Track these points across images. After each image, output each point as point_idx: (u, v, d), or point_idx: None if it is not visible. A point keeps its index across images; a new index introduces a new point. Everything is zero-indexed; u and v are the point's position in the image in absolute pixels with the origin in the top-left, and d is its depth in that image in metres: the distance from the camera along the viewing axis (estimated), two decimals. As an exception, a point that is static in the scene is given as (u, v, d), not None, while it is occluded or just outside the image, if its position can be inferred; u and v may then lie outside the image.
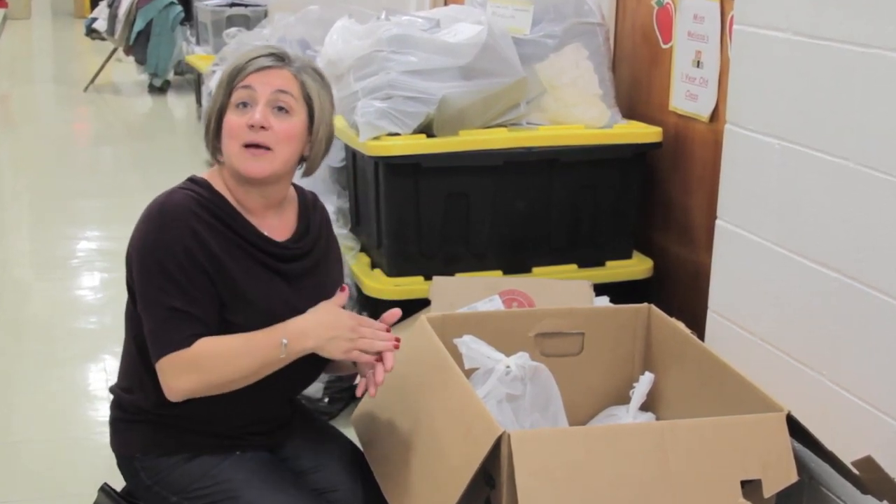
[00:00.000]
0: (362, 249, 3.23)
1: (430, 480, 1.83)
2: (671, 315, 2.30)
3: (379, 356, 1.84)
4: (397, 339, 1.85)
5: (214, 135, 1.89)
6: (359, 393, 1.85)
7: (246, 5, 7.52)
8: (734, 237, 2.23)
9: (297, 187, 2.04)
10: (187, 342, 1.75)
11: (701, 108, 2.86)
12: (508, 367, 2.03)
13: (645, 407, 2.19)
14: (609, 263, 3.03)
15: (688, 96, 2.91)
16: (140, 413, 1.91)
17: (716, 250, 2.31)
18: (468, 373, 2.05)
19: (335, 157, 3.53)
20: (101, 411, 2.49)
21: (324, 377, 2.93)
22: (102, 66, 9.03)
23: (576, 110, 2.97)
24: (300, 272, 1.93)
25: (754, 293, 2.18)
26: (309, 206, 2.04)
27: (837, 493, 1.99)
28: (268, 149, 1.83)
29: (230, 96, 1.85)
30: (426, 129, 2.82)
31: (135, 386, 1.92)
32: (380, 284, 2.91)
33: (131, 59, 9.06)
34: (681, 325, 2.26)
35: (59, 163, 6.59)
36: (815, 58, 1.95)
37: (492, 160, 2.84)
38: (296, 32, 4.73)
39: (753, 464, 1.77)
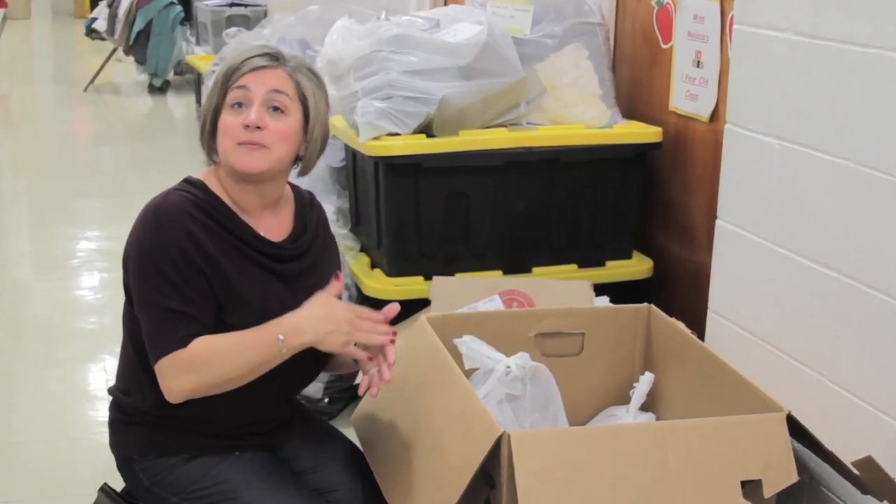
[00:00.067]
0: (362, 249, 3.23)
1: (430, 480, 1.83)
2: (671, 315, 2.30)
3: (381, 352, 1.82)
4: (394, 333, 1.84)
5: (210, 135, 1.88)
6: (361, 391, 1.84)
7: (246, 5, 7.52)
8: (734, 237, 2.23)
9: (293, 187, 2.04)
10: (183, 342, 1.75)
11: (701, 108, 2.86)
12: (508, 367, 2.03)
13: (645, 407, 2.19)
14: (609, 263, 3.03)
15: (688, 96, 2.91)
16: (138, 415, 1.91)
17: (716, 250, 2.31)
18: (468, 373, 2.05)
19: (335, 157, 3.53)
20: (101, 411, 2.49)
21: (323, 377, 2.94)
22: (102, 66, 9.03)
23: (576, 110, 2.97)
24: (297, 272, 1.92)
25: (754, 293, 2.18)
26: (306, 205, 2.03)
27: (838, 494, 1.99)
28: (264, 146, 1.83)
29: (225, 96, 1.85)
30: (426, 129, 2.82)
31: (132, 388, 1.91)
32: (380, 284, 2.91)
33: (131, 59, 9.06)
34: (681, 325, 2.25)
35: (59, 163, 6.59)
36: (815, 58, 1.95)
37: (492, 160, 2.84)
38: (296, 32, 4.74)
39: (754, 464, 1.77)
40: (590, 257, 3.01)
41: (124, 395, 1.94)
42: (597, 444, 1.76)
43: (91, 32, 9.35)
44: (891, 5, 1.77)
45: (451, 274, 2.83)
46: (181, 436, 1.89)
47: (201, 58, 6.96)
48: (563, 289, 2.60)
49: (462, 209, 2.87)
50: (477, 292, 2.56)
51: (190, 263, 1.77)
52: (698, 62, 2.85)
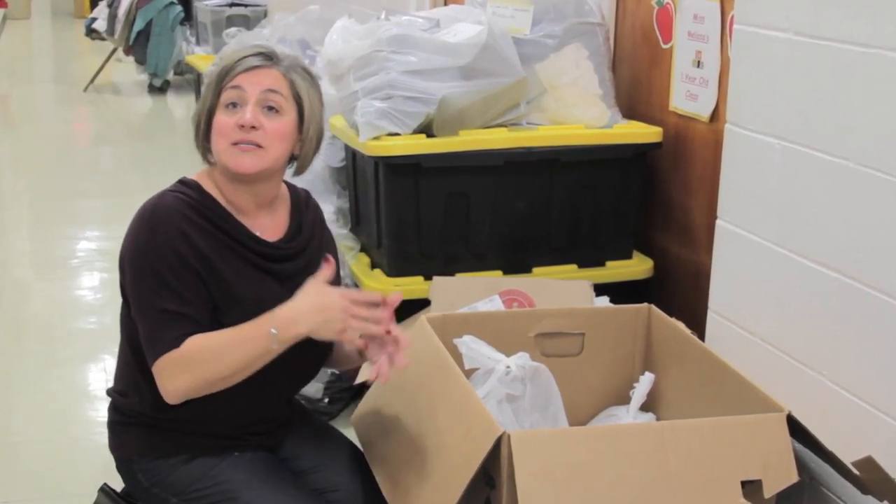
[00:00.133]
0: (362, 249, 3.23)
1: (430, 481, 1.83)
2: (671, 315, 2.30)
3: (392, 339, 1.80)
4: (391, 318, 1.80)
5: (204, 136, 1.88)
6: (372, 377, 1.80)
7: (246, 5, 7.52)
8: (734, 237, 2.23)
9: (289, 185, 2.03)
10: (178, 342, 1.74)
11: (701, 108, 2.86)
12: (508, 367, 2.03)
13: (645, 407, 2.18)
14: (609, 263, 3.03)
15: (688, 96, 2.91)
16: (137, 416, 1.91)
17: (716, 250, 2.31)
18: (468, 373, 2.05)
19: (335, 157, 3.53)
20: (101, 411, 2.49)
21: (323, 377, 2.94)
22: (102, 66, 9.03)
23: (576, 110, 2.97)
24: (293, 272, 1.91)
25: (754, 293, 2.18)
26: (301, 204, 2.02)
27: (838, 494, 1.99)
28: (259, 146, 1.83)
29: (219, 97, 1.85)
30: (426, 129, 2.81)
31: (130, 390, 1.91)
32: (380, 284, 2.91)
33: (131, 59, 9.06)
34: (681, 326, 2.25)
35: (59, 163, 6.59)
36: (815, 58, 1.95)
37: (492, 160, 2.84)
38: (296, 32, 4.74)
39: (754, 464, 1.77)
40: (590, 257, 3.01)
41: (122, 397, 1.94)
42: (597, 445, 1.76)
43: (91, 32, 9.35)
44: (891, 5, 1.77)
45: (451, 274, 2.83)
46: (180, 437, 1.89)
47: (201, 58, 6.96)
48: (563, 289, 2.60)
49: (462, 209, 2.87)
50: (477, 292, 2.56)
51: (185, 265, 1.77)
52: (698, 62, 2.85)
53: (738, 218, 2.22)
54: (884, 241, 1.82)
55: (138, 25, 8.57)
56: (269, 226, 1.93)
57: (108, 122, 8.09)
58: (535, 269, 2.97)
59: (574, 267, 2.99)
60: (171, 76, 9.03)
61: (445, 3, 4.53)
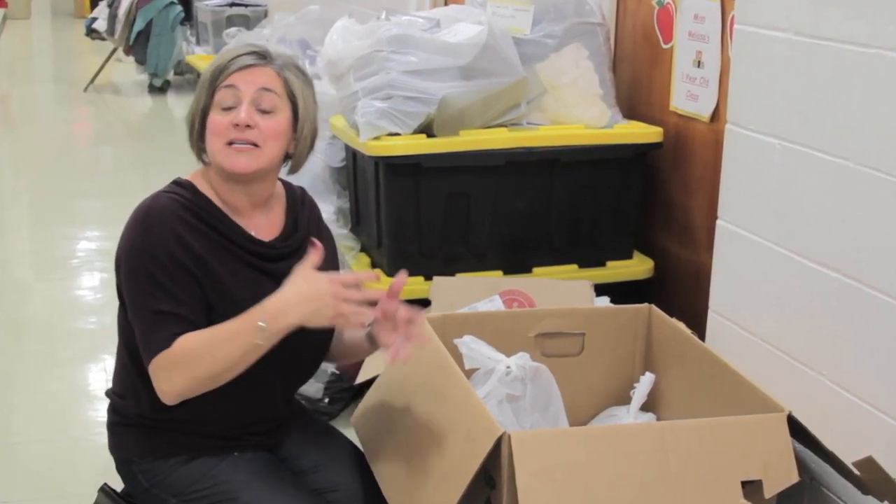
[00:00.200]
0: (362, 249, 3.23)
1: (430, 481, 1.83)
2: (672, 315, 2.30)
3: (406, 317, 1.79)
4: (392, 295, 1.79)
5: (199, 136, 1.87)
6: (390, 359, 1.79)
7: (246, 5, 7.53)
8: (735, 237, 2.23)
9: (285, 183, 2.02)
10: (169, 342, 1.73)
11: (701, 108, 2.86)
12: (509, 367, 2.03)
13: (645, 407, 2.18)
14: (610, 263, 3.03)
15: (688, 96, 2.91)
16: (135, 418, 1.90)
17: (716, 250, 2.31)
18: (468, 373, 2.05)
19: (335, 157, 3.53)
20: (101, 411, 2.49)
21: (323, 377, 2.94)
22: (102, 66, 9.03)
23: (576, 110, 2.97)
24: (288, 271, 1.88)
25: (755, 293, 2.18)
26: (297, 202, 2.01)
27: (838, 494, 1.99)
28: (255, 145, 1.82)
29: (213, 96, 1.84)
30: (426, 129, 2.82)
31: (128, 391, 1.91)
32: (380, 284, 2.91)
33: (131, 59, 9.06)
34: (681, 326, 2.25)
35: (59, 163, 6.59)
36: (815, 58, 1.95)
37: (492, 160, 2.84)
38: (296, 32, 4.74)
39: (754, 464, 1.77)
40: (590, 257, 3.01)
41: (120, 398, 1.94)
42: (597, 445, 1.76)
43: (91, 32, 9.34)
44: (891, 5, 1.77)
45: (452, 274, 2.83)
46: (179, 437, 1.88)
47: (201, 58, 6.97)
48: (563, 289, 2.60)
49: (462, 209, 2.87)
50: (477, 292, 2.56)
51: (179, 266, 1.76)
52: (699, 62, 2.85)
53: (739, 218, 2.22)
54: (884, 241, 1.82)
55: (138, 25, 8.56)
56: (265, 225, 1.93)
57: (108, 122, 8.08)
58: (536, 269, 2.97)
59: (574, 267, 3.00)
60: (171, 76, 9.03)
61: (445, 3, 4.53)
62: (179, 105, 8.68)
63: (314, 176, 3.48)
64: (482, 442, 1.71)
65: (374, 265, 3.06)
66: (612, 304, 2.56)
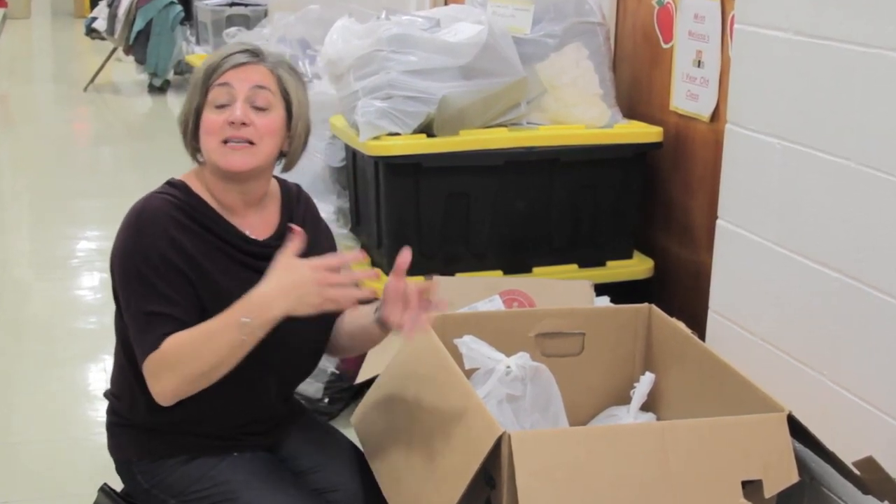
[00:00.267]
0: (362, 249, 3.23)
1: (430, 481, 1.82)
2: (672, 315, 2.30)
3: (419, 291, 1.77)
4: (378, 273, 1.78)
5: (192, 135, 1.87)
6: (409, 336, 1.77)
7: (246, 5, 7.52)
8: (735, 237, 2.23)
9: (280, 181, 2.01)
10: (158, 343, 1.73)
11: (702, 108, 2.86)
12: (509, 367, 2.03)
13: (645, 407, 2.18)
14: (610, 263, 3.03)
15: (688, 96, 2.91)
16: (133, 419, 1.90)
17: (716, 250, 2.31)
18: (468, 373, 2.05)
19: (335, 157, 3.53)
20: (101, 412, 2.48)
21: (323, 377, 2.93)
22: (102, 66, 9.03)
23: (576, 110, 2.97)
24: None
25: (755, 293, 2.18)
26: (293, 199, 2.00)
27: (838, 494, 1.99)
28: (250, 143, 1.82)
29: (207, 95, 1.83)
30: (426, 129, 2.81)
31: (125, 393, 1.90)
32: (380, 284, 2.90)
33: (131, 58, 9.06)
34: (681, 325, 2.25)
35: (59, 163, 6.59)
36: (815, 58, 1.95)
37: (492, 160, 2.84)
38: (296, 32, 4.73)
39: (754, 464, 1.77)
40: (590, 257, 3.01)
41: (118, 400, 1.94)
42: (597, 445, 1.76)
43: (91, 32, 9.34)
44: (891, 5, 1.77)
45: (452, 274, 2.82)
46: (176, 438, 1.88)
47: (201, 57, 6.94)
48: (563, 289, 2.60)
49: (462, 209, 2.87)
50: (477, 292, 2.56)
51: (171, 267, 1.76)
52: (699, 62, 2.85)
53: (739, 218, 2.22)
54: (884, 241, 1.82)
55: (138, 25, 8.56)
56: (259, 224, 1.92)
57: (108, 122, 8.08)
58: (536, 269, 2.97)
59: (574, 267, 2.99)
60: (171, 76, 9.03)
61: (445, 3, 4.53)
62: (179, 105, 8.61)
63: (314, 176, 3.48)
64: (482, 442, 1.71)
65: (373, 265, 3.06)
66: (612, 304, 2.56)
